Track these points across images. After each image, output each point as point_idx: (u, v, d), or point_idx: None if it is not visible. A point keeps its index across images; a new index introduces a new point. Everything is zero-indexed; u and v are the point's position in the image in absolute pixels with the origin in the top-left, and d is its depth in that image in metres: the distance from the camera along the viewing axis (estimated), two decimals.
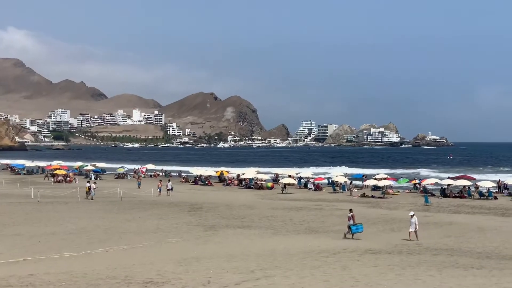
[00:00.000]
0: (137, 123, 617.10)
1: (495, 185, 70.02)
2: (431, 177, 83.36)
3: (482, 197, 63.20)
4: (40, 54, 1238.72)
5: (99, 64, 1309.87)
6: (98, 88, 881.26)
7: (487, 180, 71.71)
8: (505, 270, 24.88)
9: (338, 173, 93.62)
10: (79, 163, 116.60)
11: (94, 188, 58.04)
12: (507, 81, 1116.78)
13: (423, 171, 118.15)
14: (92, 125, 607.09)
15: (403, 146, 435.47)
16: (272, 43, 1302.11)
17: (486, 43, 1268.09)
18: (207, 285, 21.05)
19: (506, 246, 32.50)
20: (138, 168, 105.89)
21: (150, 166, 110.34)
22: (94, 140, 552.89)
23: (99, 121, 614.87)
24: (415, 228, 33.91)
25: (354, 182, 75.30)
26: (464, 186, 66.67)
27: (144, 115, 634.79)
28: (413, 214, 34.51)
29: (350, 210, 36.36)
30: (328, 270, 23.99)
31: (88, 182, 61.82)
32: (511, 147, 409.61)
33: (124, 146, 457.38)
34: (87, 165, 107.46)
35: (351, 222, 35.05)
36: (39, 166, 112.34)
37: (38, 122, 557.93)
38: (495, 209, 52.90)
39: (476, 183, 69.05)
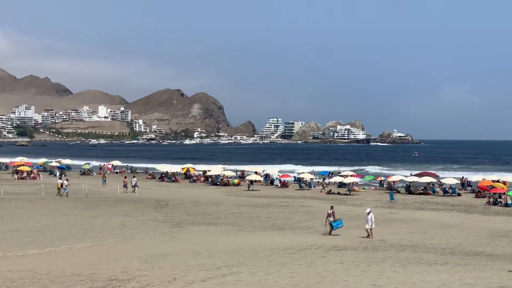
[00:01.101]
0: (103, 119, 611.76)
1: (459, 182, 70.94)
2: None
3: (446, 194, 63.96)
4: (4, 49, 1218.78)
5: (64, 59, 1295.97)
6: (63, 84, 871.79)
7: (451, 177, 72.67)
8: (468, 266, 25.21)
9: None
10: (43, 160, 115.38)
11: (66, 185, 57.68)
12: (471, 80, 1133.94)
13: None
14: (57, 121, 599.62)
15: (372, 143, 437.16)
16: (239, 40, 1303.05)
17: (450, 42, 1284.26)
18: (173, 282, 20.96)
19: (470, 242, 32.96)
20: (104, 164, 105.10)
21: (116, 163, 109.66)
22: (59, 136, 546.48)
23: (64, 117, 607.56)
24: (371, 226, 34.11)
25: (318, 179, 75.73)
26: (429, 183, 67.37)
27: (110, 111, 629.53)
28: (370, 211, 34.69)
29: (331, 207, 36.58)
30: (294, 267, 24.06)
31: (60, 178, 61.46)
32: (474, 144, 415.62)
33: (90, 143, 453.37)
34: (52, 162, 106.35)
35: (332, 218, 35.25)
36: (2, 163, 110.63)
37: (1, 118, 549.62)
38: (459, 206, 53.60)
39: (440, 180, 69.83)
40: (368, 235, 33.79)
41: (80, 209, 46.11)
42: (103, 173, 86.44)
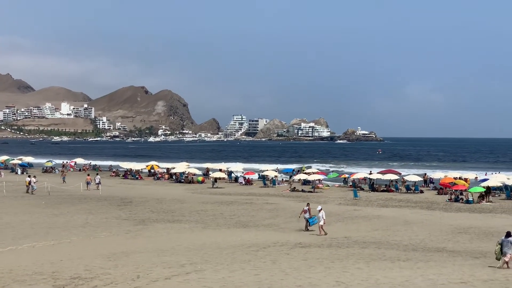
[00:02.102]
0: (66, 116, 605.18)
1: (421, 179, 71.68)
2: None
3: (408, 191, 64.61)
4: None
5: (26, 56, 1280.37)
6: (25, 80, 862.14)
7: (413, 175, 73.41)
8: (430, 262, 25.51)
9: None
10: (4, 157, 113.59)
11: (34, 182, 57.16)
12: (434, 78, 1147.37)
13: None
14: (18, 118, 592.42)
15: (338, 141, 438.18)
16: (203, 37, 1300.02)
17: (415, 39, 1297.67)
18: (136, 280, 20.86)
19: (432, 238, 33.33)
20: (67, 162, 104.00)
21: (79, 160, 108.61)
22: (21, 133, 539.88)
23: (26, 114, 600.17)
24: (323, 223, 34.27)
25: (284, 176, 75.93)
26: (392, 181, 68.00)
27: (73, 108, 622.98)
28: (321, 209, 34.84)
29: (308, 204, 36.67)
30: (258, 264, 24.11)
31: (29, 176, 60.77)
32: (437, 142, 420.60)
33: (53, 140, 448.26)
34: (13, 159, 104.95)
35: (307, 215, 35.36)
36: None
37: None
38: (421, 203, 54.19)
39: (403, 177, 70.49)
40: (325, 232, 33.93)
41: (43, 207, 45.62)
42: (64, 171, 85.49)
